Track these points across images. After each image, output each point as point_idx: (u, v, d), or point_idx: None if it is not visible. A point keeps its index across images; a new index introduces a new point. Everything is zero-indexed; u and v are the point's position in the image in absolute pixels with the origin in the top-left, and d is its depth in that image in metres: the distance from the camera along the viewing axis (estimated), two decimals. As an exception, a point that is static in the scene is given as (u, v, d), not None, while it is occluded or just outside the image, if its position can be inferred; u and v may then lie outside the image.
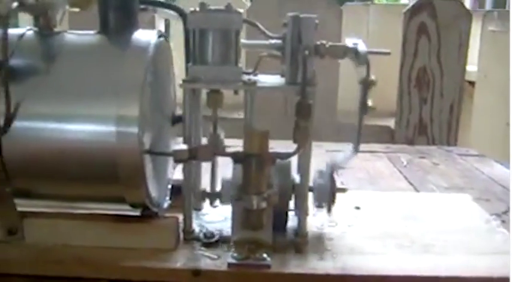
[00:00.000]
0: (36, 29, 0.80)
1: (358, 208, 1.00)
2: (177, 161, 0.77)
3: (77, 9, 0.82)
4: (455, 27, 2.08)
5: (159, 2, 0.82)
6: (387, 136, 2.20)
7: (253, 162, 0.74)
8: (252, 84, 0.77)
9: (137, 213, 0.82)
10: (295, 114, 0.76)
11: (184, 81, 0.78)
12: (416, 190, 1.24)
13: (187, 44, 0.83)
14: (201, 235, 0.83)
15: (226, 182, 0.82)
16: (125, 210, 0.82)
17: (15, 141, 0.73)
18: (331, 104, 2.12)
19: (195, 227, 0.85)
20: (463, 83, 2.15)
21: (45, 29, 0.79)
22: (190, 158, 0.75)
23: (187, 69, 0.82)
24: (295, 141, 0.77)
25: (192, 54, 0.79)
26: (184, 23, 0.83)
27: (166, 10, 0.84)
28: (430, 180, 1.33)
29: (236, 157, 0.76)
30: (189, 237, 0.83)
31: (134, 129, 0.71)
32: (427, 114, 2.15)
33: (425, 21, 2.06)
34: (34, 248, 0.79)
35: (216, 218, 0.90)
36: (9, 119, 0.71)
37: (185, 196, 0.83)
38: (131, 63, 0.74)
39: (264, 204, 0.75)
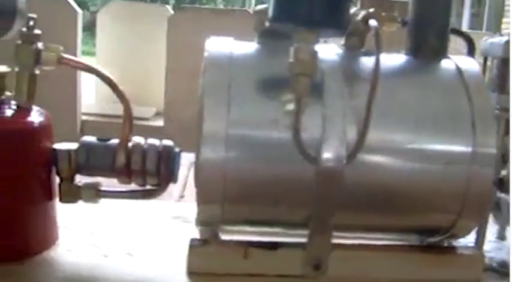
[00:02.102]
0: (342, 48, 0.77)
1: None
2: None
3: (388, 28, 0.79)
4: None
5: (461, 31, 0.80)
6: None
7: None
8: None
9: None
10: None
11: (499, 110, 0.77)
12: None
13: (484, 70, 0.82)
14: (494, 265, 0.80)
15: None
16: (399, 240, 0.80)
17: (356, 172, 0.69)
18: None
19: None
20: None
21: (355, 48, 0.76)
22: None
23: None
24: None
25: (494, 82, 0.79)
26: (471, 50, 0.82)
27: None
28: None
29: None
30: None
31: (491, 165, 0.69)
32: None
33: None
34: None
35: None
36: (358, 146, 0.67)
37: (481, 225, 0.80)
38: (478, 94, 0.71)
39: None
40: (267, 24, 0.67)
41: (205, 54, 0.72)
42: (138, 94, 2.04)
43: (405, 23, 0.79)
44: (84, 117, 2.44)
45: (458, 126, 0.70)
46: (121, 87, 0.78)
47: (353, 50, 0.76)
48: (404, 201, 0.72)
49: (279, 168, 0.69)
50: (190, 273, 0.74)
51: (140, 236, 0.86)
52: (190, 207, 0.94)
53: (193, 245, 0.74)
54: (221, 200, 0.69)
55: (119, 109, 2.63)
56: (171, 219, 0.93)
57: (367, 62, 0.75)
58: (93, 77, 2.46)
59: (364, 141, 0.67)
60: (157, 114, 2.10)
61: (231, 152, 0.67)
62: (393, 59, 0.77)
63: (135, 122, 2.26)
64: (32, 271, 0.75)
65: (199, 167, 0.68)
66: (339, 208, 0.71)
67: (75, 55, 2.38)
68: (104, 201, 0.82)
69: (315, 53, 0.65)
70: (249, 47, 0.75)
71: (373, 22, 0.68)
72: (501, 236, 0.92)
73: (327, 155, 0.67)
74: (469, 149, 0.69)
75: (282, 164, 0.69)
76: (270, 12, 0.65)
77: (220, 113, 0.67)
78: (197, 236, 0.84)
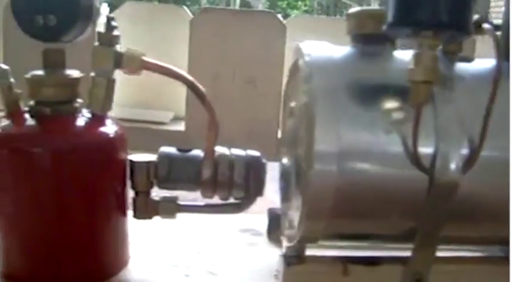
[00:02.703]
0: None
1: None
2: None
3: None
4: None
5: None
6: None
7: None
8: None
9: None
10: None
11: None
12: None
13: None
14: None
15: None
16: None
17: (466, 183, 0.65)
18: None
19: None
20: None
21: (454, 53, 0.72)
22: None
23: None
24: None
25: None
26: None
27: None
28: None
29: None
30: None
31: None
32: None
33: None
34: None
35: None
36: (474, 157, 0.64)
37: None
38: None
39: None
40: (384, 27, 0.63)
41: (306, 58, 0.67)
42: (155, 98, 1.97)
43: (496, 27, 0.76)
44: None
45: None
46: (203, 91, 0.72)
47: (452, 55, 0.72)
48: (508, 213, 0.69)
49: (390, 181, 0.65)
50: (285, 292, 0.70)
51: (215, 251, 0.80)
52: (254, 219, 0.90)
53: (289, 263, 0.70)
54: (328, 216, 0.65)
55: (134, 113, 2.57)
56: (239, 233, 0.88)
57: (469, 67, 0.72)
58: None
59: (480, 151, 0.64)
60: (175, 119, 2.03)
61: (343, 166, 0.63)
62: (490, 65, 0.73)
63: (151, 126, 2.21)
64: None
65: (309, 183, 0.63)
66: (446, 220, 0.67)
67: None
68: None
69: (437, 59, 0.61)
70: (346, 51, 0.71)
71: (487, 26, 0.65)
72: None
73: (442, 166, 0.63)
74: None
75: (393, 176, 0.65)
76: (390, 17, 0.60)
77: (332, 124, 0.62)
78: (273, 250, 0.81)
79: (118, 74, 0.74)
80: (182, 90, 2.29)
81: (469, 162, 0.64)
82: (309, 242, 0.70)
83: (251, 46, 1.73)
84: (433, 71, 0.61)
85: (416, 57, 0.61)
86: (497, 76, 0.62)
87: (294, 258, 0.71)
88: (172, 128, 1.95)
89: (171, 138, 1.62)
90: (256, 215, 0.86)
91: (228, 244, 0.83)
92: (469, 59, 0.73)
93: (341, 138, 0.63)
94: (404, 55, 0.70)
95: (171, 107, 2.02)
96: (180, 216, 0.78)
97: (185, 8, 2.14)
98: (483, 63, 0.74)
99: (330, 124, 0.64)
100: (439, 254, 0.74)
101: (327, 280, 0.70)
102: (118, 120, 0.73)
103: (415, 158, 0.63)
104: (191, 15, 2.08)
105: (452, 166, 0.63)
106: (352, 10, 0.74)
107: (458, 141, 0.64)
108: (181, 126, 2.03)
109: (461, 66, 0.72)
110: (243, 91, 1.56)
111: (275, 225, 0.85)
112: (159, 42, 2.08)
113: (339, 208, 0.66)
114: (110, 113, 0.73)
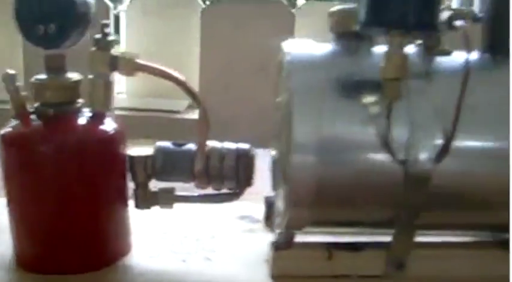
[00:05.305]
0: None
1: None
2: None
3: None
4: None
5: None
6: None
7: None
8: None
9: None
10: None
11: None
12: None
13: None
14: None
15: None
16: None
17: (441, 173, 0.68)
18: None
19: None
20: None
21: (433, 48, 0.75)
22: None
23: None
24: None
25: None
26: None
27: None
28: None
29: None
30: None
31: None
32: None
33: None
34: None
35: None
36: (446, 148, 0.67)
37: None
38: None
39: None
40: (356, 26, 0.66)
41: (287, 57, 0.71)
42: (169, 88, 2.02)
43: (477, 19, 0.78)
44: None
45: None
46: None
47: (431, 50, 0.75)
48: (488, 201, 0.72)
49: (369, 171, 0.69)
50: (274, 276, 0.75)
51: (213, 238, 0.86)
52: (252, 207, 0.94)
53: (277, 248, 0.75)
54: (311, 205, 0.69)
55: (149, 103, 2.59)
56: (237, 220, 0.93)
57: (447, 61, 0.74)
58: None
59: (451, 143, 0.67)
60: (189, 107, 2.07)
61: (322, 157, 0.67)
62: (472, 58, 0.76)
63: (166, 115, 2.25)
64: (113, 279, 0.76)
65: (290, 173, 0.68)
66: (423, 208, 0.71)
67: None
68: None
69: (406, 57, 0.64)
70: (327, 48, 0.75)
71: (460, 23, 0.68)
72: None
73: (415, 157, 0.67)
74: None
75: (371, 166, 0.69)
76: (362, 17, 0.64)
77: (310, 117, 0.67)
78: (269, 237, 0.85)
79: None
80: (196, 79, 2.35)
81: (441, 153, 0.68)
82: (294, 229, 0.75)
83: (262, 35, 1.76)
84: (402, 68, 0.64)
85: (387, 56, 0.65)
86: (467, 71, 0.65)
87: (281, 244, 0.76)
88: (186, 116, 2.00)
89: (185, 126, 1.67)
90: (254, 203, 0.91)
91: (226, 231, 0.89)
92: (448, 52, 0.75)
93: (319, 131, 0.68)
94: (382, 50, 0.73)
95: (185, 96, 2.04)
96: (180, 205, 0.84)
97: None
98: (461, 55, 0.76)
99: (307, 118, 0.68)
100: (427, 239, 0.78)
101: (313, 264, 0.75)
102: (117, 117, 0.78)
103: (388, 150, 0.67)
104: (203, 5, 2.11)
105: (424, 157, 0.67)
106: (333, 8, 0.77)
107: (432, 132, 0.68)
108: (195, 115, 2.05)
109: (439, 60, 0.75)
110: (255, 80, 1.59)
111: (271, 212, 0.90)
112: (173, 33, 2.11)
113: (321, 197, 0.70)
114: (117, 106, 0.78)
